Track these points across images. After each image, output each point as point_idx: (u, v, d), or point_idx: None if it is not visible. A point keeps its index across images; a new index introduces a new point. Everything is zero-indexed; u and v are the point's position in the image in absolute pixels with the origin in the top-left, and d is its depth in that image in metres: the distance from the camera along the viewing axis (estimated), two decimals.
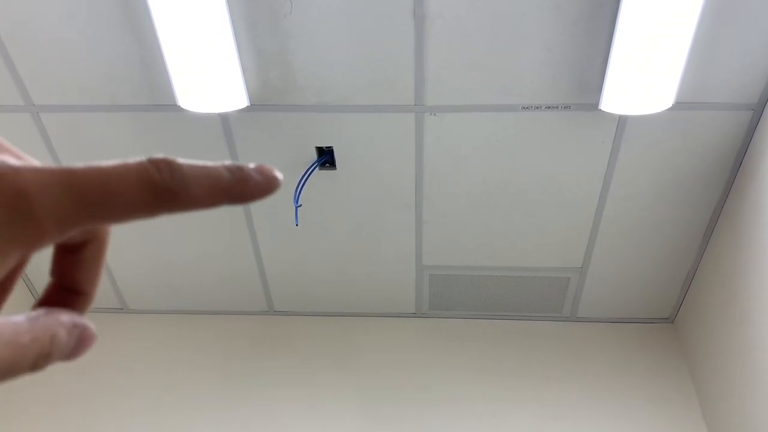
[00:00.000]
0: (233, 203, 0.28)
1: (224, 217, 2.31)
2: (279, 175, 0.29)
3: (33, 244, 0.24)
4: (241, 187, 0.28)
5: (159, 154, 0.26)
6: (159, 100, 1.98)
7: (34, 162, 0.26)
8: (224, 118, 2.01)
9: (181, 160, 0.26)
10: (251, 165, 0.28)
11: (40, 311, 0.26)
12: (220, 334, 2.64)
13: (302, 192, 2.10)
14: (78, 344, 0.27)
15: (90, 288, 0.31)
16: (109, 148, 2.13)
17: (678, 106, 1.82)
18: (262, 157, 2.11)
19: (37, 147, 2.13)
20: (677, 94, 1.76)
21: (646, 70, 1.70)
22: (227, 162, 0.28)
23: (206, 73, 1.80)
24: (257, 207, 2.26)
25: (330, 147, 2.07)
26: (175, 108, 1.94)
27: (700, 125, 1.90)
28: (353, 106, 1.95)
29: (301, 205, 2.12)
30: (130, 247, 2.45)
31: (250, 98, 1.93)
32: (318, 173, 2.12)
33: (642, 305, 2.52)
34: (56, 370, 0.27)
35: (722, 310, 2.12)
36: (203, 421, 2.34)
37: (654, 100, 1.76)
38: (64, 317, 0.27)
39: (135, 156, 0.26)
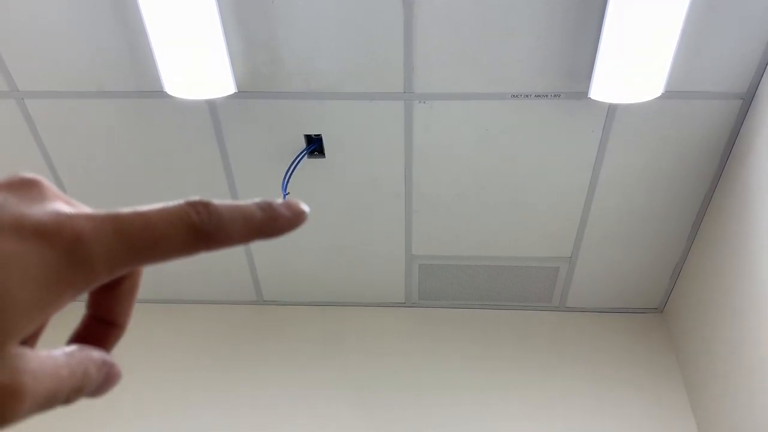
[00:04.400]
0: (264, 239, 0.30)
1: None
2: (306, 208, 0.31)
3: (86, 285, 0.27)
4: (272, 224, 0.30)
5: (195, 197, 0.28)
6: (146, 87, 1.96)
7: (84, 208, 0.28)
8: (211, 105, 2.00)
9: (217, 201, 0.29)
10: (279, 201, 0.30)
11: (75, 347, 0.28)
12: (209, 324, 2.63)
13: (290, 180, 2.09)
14: (105, 381, 0.29)
15: (124, 320, 0.33)
16: (96, 135, 2.11)
17: (667, 94, 1.81)
18: (251, 144, 2.10)
19: (22, 134, 2.11)
20: (667, 82, 1.76)
21: (636, 59, 1.69)
22: (257, 199, 0.30)
23: (193, 59, 1.79)
24: (245, 195, 2.25)
25: (319, 135, 2.06)
26: (162, 94, 1.92)
27: (690, 114, 1.90)
28: (342, 93, 1.94)
29: (289, 194, 2.11)
30: None
31: (238, 85, 1.91)
32: (306, 161, 2.11)
33: (631, 295, 2.53)
34: None
35: (710, 300, 2.13)
36: (192, 411, 2.33)
37: (643, 88, 1.76)
38: (96, 354, 0.29)
39: (171, 200, 0.28)
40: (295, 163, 2.07)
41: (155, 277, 2.61)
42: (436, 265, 2.48)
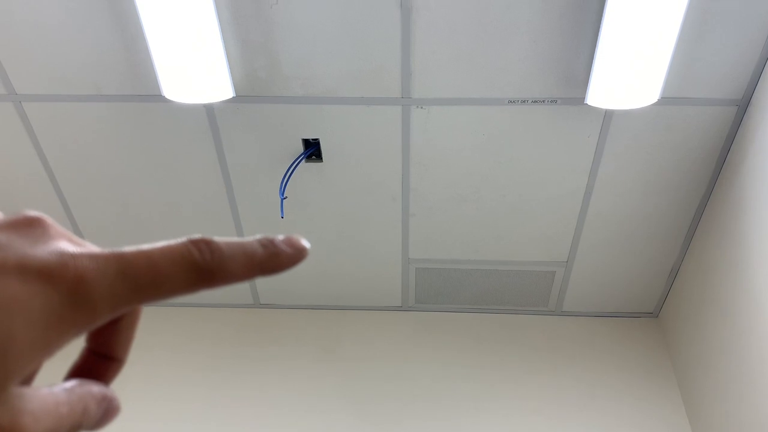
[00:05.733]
0: (265, 275, 0.30)
1: (210, 209, 2.29)
2: (307, 244, 0.32)
3: (89, 325, 0.27)
4: (273, 261, 0.30)
5: (197, 235, 0.28)
6: (143, 90, 1.96)
7: (88, 246, 0.28)
8: (209, 109, 2.00)
9: (218, 239, 0.29)
10: (280, 237, 0.31)
11: (74, 382, 0.28)
12: (206, 327, 2.63)
13: (288, 184, 2.10)
14: (104, 416, 0.29)
15: (123, 355, 0.33)
16: (93, 138, 2.11)
17: (663, 101, 1.83)
18: (248, 148, 2.10)
19: (19, 137, 2.11)
20: (663, 89, 1.77)
21: (632, 65, 1.70)
22: (259, 236, 0.30)
23: (191, 63, 1.79)
24: (242, 199, 2.25)
25: (316, 139, 2.06)
26: (160, 98, 1.92)
27: (685, 120, 1.91)
28: (340, 98, 1.94)
29: (286, 197, 2.11)
30: (115, 239, 2.43)
31: (236, 89, 1.91)
32: (304, 165, 2.11)
33: (627, 299, 2.54)
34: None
35: (705, 304, 2.14)
36: (188, 414, 2.33)
37: (640, 94, 1.77)
38: (95, 389, 0.29)
39: (176, 239, 0.28)
40: (293, 167, 2.08)
41: None
42: (433, 268, 2.48)
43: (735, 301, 1.92)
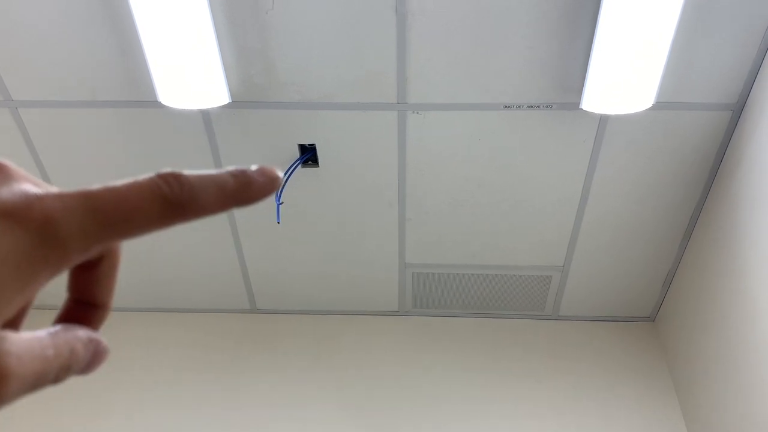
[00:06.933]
0: (240, 206, 0.30)
1: None
2: (280, 174, 0.31)
3: (61, 265, 0.26)
4: (246, 191, 0.30)
5: (166, 169, 0.28)
6: (140, 96, 1.96)
7: (52, 188, 0.27)
8: (205, 115, 2.00)
9: (188, 172, 0.28)
10: (253, 167, 0.30)
11: (59, 327, 0.28)
12: (203, 333, 2.62)
13: (284, 189, 2.10)
14: (93, 358, 0.29)
15: (106, 300, 0.33)
16: (89, 144, 2.11)
17: (658, 105, 1.83)
18: (245, 154, 2.10)
19: (15, 143, 2.11)
20: (657, 94, 1.77)
21: (627, 70, 1.71)
22: (230, 168, 0.30)
23: (187, 69, 1.79)
24: None
25: (313, 144, 2.07)
26: (156, 104, 1.92)
27: (680, 125, 1.92)
28: (336, 104, 1.95)
29: (283, 203, 2.12)
30: None
31: (232, 95, 1.92)
32: (301, 171, 2.12)
33: (623, 304, 2.54)
34: None
35: (702, 308, 2.14)
36: (185, 419, 2.32)
37: (634, 99, 1.78)
38: (81, 332, 0.29)
39: (143, 173, 0.28)
40: (290, 172, 2.08)
41: (149, 286, 2.60)
42: (430, 273, 2.48)
43: (731, 305, 1.92)
